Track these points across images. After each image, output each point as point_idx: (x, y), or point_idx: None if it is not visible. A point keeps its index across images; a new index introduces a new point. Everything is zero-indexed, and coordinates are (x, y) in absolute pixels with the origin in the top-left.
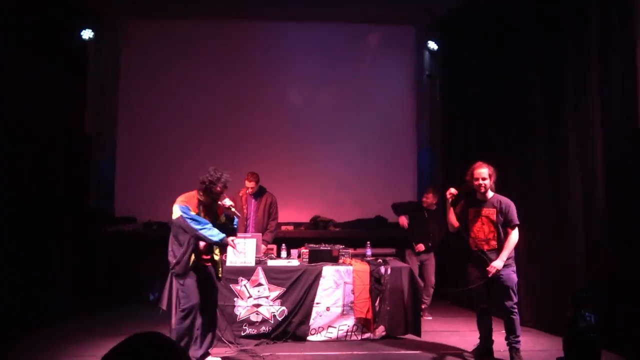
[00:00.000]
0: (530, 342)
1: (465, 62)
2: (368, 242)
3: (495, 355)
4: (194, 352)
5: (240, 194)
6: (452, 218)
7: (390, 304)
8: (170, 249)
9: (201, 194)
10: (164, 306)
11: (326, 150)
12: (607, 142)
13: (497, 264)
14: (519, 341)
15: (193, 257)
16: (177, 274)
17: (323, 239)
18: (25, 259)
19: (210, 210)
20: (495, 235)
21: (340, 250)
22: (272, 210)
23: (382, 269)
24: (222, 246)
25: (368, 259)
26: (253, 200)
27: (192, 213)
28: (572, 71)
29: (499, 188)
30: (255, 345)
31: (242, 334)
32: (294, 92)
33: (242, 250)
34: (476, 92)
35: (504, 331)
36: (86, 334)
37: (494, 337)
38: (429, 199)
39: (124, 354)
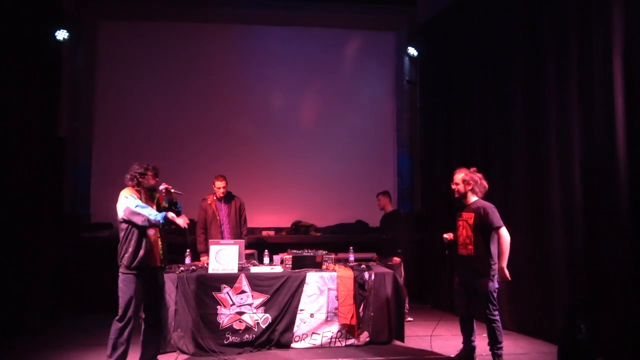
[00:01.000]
0: (510, 345)
1: (445, 67)
2: (351, 248)
3: (480, 359)
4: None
5: (209, 201)
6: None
7: (374, 310)
8: (119, 248)
9: (136, 189)
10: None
11: (307, 154)
12: (585, 146)
13: (507, 274)
14: (501, 347)
15: (142, 252)
16: (125, 268)
17: (305, 244)
18: None
19: (152, 201)
20: (472, 240)
21: (324, 256)
22: (242, 213)
23: (366, 275)
24: (168, 223)
25: (351, 264)
26: (223, 205)
27: (135, 200)
28: (553, 79)
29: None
30: (238, 353)
31: (225, 343)
32: (275, 96)
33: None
34: (455, 98)
35: (486, 336)
36: (66, 343)
37: (477, 342)
38: (380, 203)
39: None
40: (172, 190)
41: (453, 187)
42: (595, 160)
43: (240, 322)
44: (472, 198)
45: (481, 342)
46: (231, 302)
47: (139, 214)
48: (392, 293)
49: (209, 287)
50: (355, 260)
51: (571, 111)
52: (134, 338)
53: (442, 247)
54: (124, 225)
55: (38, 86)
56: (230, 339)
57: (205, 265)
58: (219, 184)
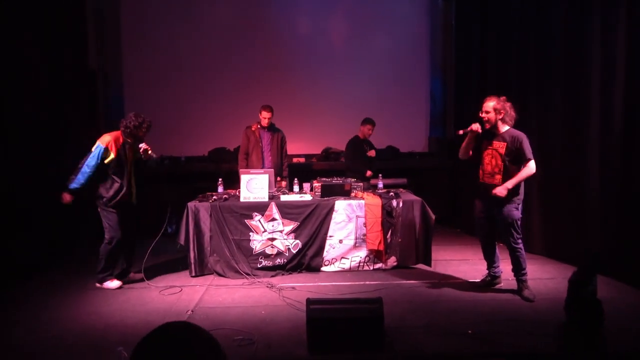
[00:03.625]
0: (537, 270)
1: None
2: (380, 175)
3: (505, 283)
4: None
5: (253, 128)
6: (465, 147)
7: (401, 236)
8: (80, 168)
9: (126, 137)
10: (181, 241)
11: (336, 80)
12: (628, 79)
13: (499, 189)
14: (525, 273)
15: (125, 190)
16: (104, 205)
17: (334, 171)
18: (44, 196)
19: (132, 149)
20: (502, 169)
21: (352, 184)
22: (284, 147)
23: (394, 202)
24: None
25: (380, 191)
26: (266, 134)
27: (96, 154)
28: (597, 9)
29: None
30: (271, 276)
31: (258, 266)
32: (302, 21)
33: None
34: (493, 18)
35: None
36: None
37: (503, 267)
38: (370, 130)
39: (156, 343)
40: (149, 152)
41: (483, 115)
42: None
43: (272, 247)
44: (504, 127)
45: (507, 267)
46: (263, 229)
47: (79, 170)
48: (419, 220)
49: (241, 215)
50: (385, 186)
51: (618, 45)
52: None
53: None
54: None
55: (64, 18)
56: (264, 263)
57: (237, 193)
58: (265, 114)
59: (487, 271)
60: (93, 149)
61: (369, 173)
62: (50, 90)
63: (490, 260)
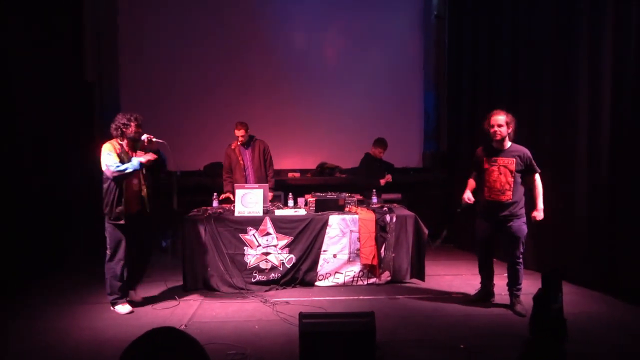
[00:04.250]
0: (531, 285)
1: (474, 2)
2: (374, 190)
3: (497, 298)
4: (108, 296)
5: (233, 147)
6: (469, 190)
7: (395, 251)
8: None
9: (120, 139)
10: (175, 255)
11: (331, 94)
12: (615, 90)
13: (540, 214)
14: (520, 288)
15: (121, 207)
16: (107, 217)
17: (329, 186)
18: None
19: (133, 150)
20: (512, 186)
21: (346, 199)
22: (267, 156)
23: (388, 217)
24: (143, 166)
25: (374, 206)
26: (246, 150)
27: (113, 158)
28: (587, 17)
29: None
30: (265, 291)
31: (253, 281)
32: (297, 35)
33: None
34: (485, 35)
35: (506, 276)
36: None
37: (495, 281)
38: (381, 153)
39: (143, 347)
40: (154, 140)
41: (495, 129)
42: (624, 103)
43: (266, 262)
44: (507, 143)
45: (500, 282)
46: (257, 244)
47: (119, 172)
48: (413, 235)
49: (235, 229)
50: (382, 201)
51: (603, 55)
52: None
53: (459, 201)
54: (105, 177)
55: (61, 31)
56: (258, 278)
57: (232, 208)
58: (238, 132)
59: (480, 285)
60: (104, 155)
61: (382, 181)
62: (48, 101)
63: (487, 275)
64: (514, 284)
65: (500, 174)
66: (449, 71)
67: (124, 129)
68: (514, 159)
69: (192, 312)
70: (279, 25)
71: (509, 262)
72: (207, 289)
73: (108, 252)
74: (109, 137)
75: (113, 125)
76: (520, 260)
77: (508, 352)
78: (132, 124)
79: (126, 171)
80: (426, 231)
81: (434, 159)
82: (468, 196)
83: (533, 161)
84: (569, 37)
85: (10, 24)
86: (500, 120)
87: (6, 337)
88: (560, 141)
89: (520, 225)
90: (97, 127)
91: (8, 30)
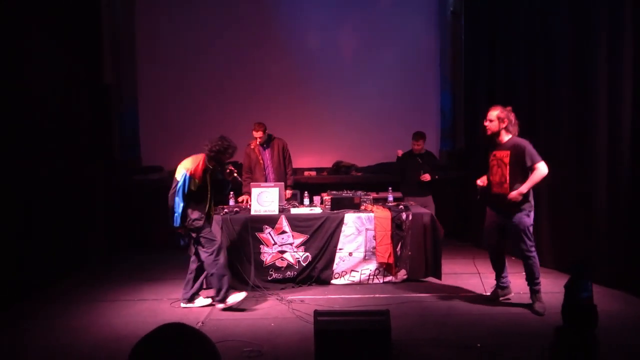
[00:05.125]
0: (550, 283)
1: None
2: (390, 188)
3: (517, 297)
4: (185, 293)
5: (252, 146)
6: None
7: (411, 249)
8: (174, 204)
9: (209, 160)
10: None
11: (347, 93)
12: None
13: (514, 194)
14: (538, 283)
15: (204, 215)
16: (198, 227)
17: (345, 185)
18: (58, 208)
19: (213, 173)
20: (508, 179)
21: (362, 197)
22: (286, 154)
23: (403, 215)
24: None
25: (389, 204)
26: (265, 151)
27: (182, 183)
28: (604, 10)
29: (524, 130)
30: (281, 289)
31: (269, 279)
32: (312, 34)
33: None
34: (502, 31)
35: (525, 273)
36: (120, 278)
37: (515, 280)
38: (420, 145)
39: (153, 344)
40: (235, 174)
41: (486, 124)
42: None
43: (282, 260)
44: (506, 137)
45: (520, 280)
46: (273, 242)
47: (173, 200)
48: (429, 233)
49: (251, 227)
50: (395, 199)
51: (625, 47)
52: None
53: (476, 190)
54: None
55: (79, 35)
56: (274, 276)
57: (248, 206)
58: (256, 134)
59: (495, 283)
60: (178, 177)
61: (423, 177)
62: (66, 104)
63: (499, 270)
64: (531, 279)
65: (499, 167)
66: (465, 70)
67: (218, 155)
68: (508, 152)
69: (208, 309)
70: (294, 25)
71: (521, 257)
72: None
73: (208, 251)
74: (126, 141)
75: (209, 145)
76: (532, 253)
77: (525, 351)
78: (229, 153)
79: (172, 213)
80: (442, 229)
81: (450, 158)
82: (482, 179)
83: (527, 154)
84: (587, 32)
85: (28, 27)
86: (491, 116)
87: (27, 336)
88: (580, 140)
89: (521, 218)
90: (114, 129)
91: (26, 33)
